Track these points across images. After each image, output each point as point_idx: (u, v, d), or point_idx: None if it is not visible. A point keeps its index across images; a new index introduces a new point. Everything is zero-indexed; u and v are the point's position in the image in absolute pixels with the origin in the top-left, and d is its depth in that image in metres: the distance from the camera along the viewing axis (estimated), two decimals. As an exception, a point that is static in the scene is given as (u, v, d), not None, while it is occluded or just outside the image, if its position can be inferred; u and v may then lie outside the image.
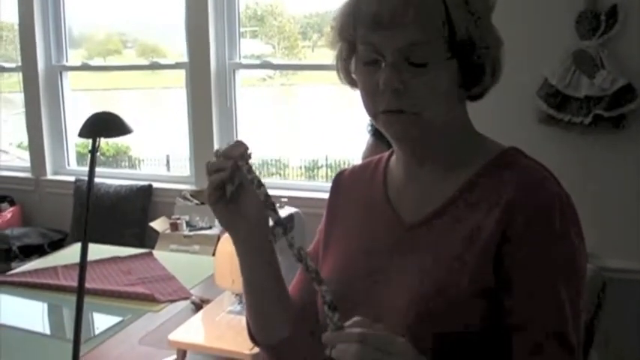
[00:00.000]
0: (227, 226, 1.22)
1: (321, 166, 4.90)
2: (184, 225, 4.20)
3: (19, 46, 4.92)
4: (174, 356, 2.06)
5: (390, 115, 1.12)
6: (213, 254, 3.08)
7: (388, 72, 1.08)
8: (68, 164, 5.04)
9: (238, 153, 1.13)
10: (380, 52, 1.09)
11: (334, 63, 1.22)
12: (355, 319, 1.00)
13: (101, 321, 2.39)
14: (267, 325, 1.30)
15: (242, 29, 4.46)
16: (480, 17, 1.10)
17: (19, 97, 5.06)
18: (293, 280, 1.38)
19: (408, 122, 1.11)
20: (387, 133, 1.16)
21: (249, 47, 4.67)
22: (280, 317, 1.28)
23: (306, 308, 1.23)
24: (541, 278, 1.07)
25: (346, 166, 1.45)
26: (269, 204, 1.13)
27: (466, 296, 1.08)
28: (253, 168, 1.14)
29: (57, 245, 4.45)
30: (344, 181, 1.38)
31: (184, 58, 4.49)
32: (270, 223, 1.18)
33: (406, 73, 1.08)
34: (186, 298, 2.51)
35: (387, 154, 1.33)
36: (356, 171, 1.38)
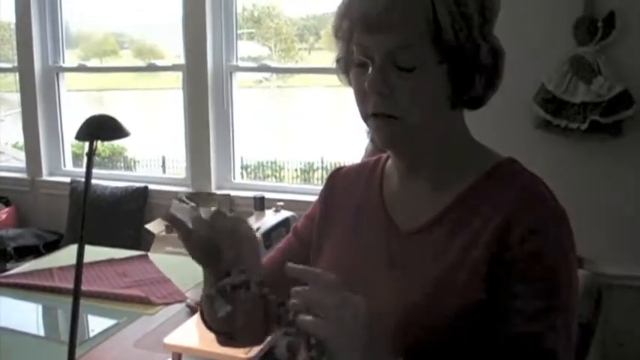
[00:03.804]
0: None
1: (317, 169, 4.91)
2: (180, 227, 4.18)
3: (15, 46, 4.91)
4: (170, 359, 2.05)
5: (378, 120, 1.11)
6: (209, 257, 3.08)
7: (374, 75, 1.08)
8: (64, 165, 5.02)
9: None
10: (369, 55, 1.09)
11: (334, 64, 1.21)
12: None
13: (96, 323, 2.38)
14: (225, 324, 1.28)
15: (239, 31, 4.46)
16: (471, 23, 1.08)
17: (16, 97, 5.05)
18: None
19: (395, 128, 1.10)
20: (375, 138, 1.16)
21: (245, 49, 4.67)
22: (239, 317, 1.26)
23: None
24: (534, 291, 1.06)
25: (344, 164, 1.44)
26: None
27: (458, 307, 1.07)
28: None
29: (52, 246, 4.43)
30: (339, 181, 1.37)
31: (181, 59, 4.48)
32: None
33: (393, 76, 1.07)
34: (181, 301, 2.51)
35: (384, 155, 1.32)
36: (352, 171, 1.37)
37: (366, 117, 1.14)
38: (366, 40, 1.09)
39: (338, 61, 1.19)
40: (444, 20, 1.05)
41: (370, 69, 1.09)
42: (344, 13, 1.13)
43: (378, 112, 1.10)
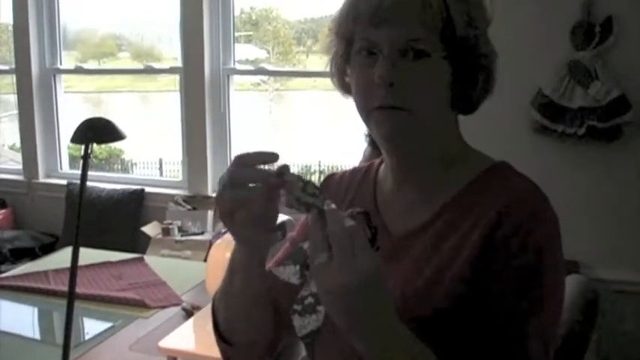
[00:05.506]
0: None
1: (314, 172, 4.90)
2: (176, 230, 4.19)
3: (13, 48, 4.91)
4: (165, 363, 2.05)
5: (383, 112, 1.10)
6: (205, 260, 3.08)
7: (384, 66, 1.07)
8: (61, 167, 5.02)
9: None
10: (378, 47, 1.08)
11: (328, 67, 1.20)
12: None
13: (91, 326, 2.37)
14: (249, 327, 1.22)
15: (236, 34, 4.45)
16: (478, 24, 1.10)
17: (13, 99, 5.04)
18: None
19: (400, 120, 1.10)
20: (377, 133, 1.14)
21: (243, 52, 4.67)
22: (261, 320, 1.22)
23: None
24: (514, 292, 1.06)
25: (337, 170, 1.43)
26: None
27: (444, 307, 1.07)
28: None
29: (48, 249, 4.42)
30: (333, 186, 1.36)
31: (179, 62, 4.48)
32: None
33: (402, 68, 1.07)
34: (177, 305, 2.50)
35: (377, 161, 1.31)
36: (345, 177, 1.37)
37: (369, 111, 1.13)
38: (375, 34, 1.08)
39: (338, 57, 1.17)
40: (456, 16, 1.07)
41: (380, 59, 1.08)
42: (348, 9, 1.13)
43: (385, 105, 1.10)
